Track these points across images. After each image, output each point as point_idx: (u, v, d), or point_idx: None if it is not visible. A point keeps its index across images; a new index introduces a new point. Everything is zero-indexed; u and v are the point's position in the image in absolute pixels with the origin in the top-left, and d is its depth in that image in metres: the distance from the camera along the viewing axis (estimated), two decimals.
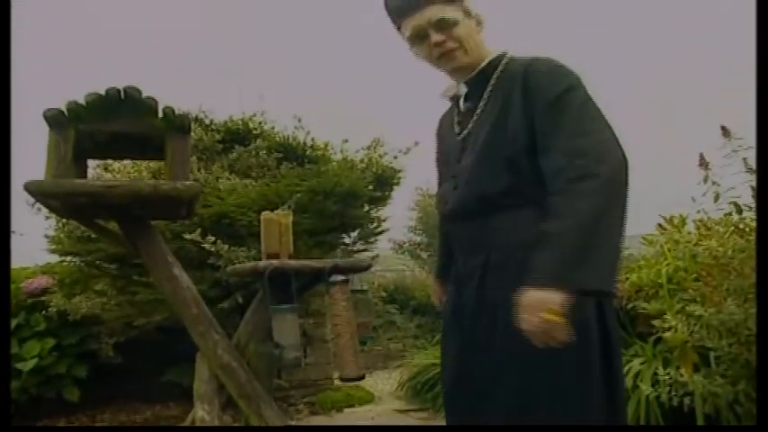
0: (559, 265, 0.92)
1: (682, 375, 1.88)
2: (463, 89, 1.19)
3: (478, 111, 1.14)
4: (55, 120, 1.64)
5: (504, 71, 1.14)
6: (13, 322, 3.09)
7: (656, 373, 2.02)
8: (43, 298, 3.20)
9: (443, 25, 1.11)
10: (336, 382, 3.59)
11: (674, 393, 1.87)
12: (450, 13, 1.12)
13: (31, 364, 3.01)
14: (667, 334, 1.94)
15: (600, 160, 0.97)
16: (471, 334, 1.13)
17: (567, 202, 0.95)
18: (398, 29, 1.19)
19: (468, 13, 1.15)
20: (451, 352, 1.21)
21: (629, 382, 2.10)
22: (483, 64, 1.16)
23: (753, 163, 1.79)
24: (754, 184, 1.80)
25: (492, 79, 1.14)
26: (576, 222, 0.93)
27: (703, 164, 1.90)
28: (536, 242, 0.96)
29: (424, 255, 7.10)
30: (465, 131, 1.16)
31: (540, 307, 0.90)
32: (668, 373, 1.93)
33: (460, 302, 1.18)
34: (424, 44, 1.14)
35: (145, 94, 1.69)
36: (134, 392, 3.46)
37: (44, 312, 3.16)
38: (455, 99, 1.24)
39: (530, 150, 1.05)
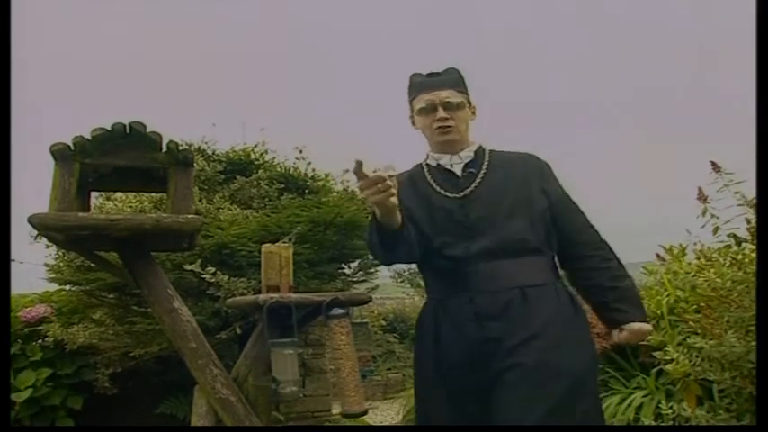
0: (641, 307, 1.37)
1: (685, 409, 1.86)
2: (469, 157, 1.41)
3: (479, 178, 1.38)
4: (61, 154, 1.67)
5: (491, 155, 1.42)
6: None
7: (658, 407, 2.00)
8: (40, 327, 3.18)
9: (450, 106, 1.37)
10: (336, 415, 3.53)
11: None
12: (458, 98, 1.38)
13: (25, 394, 2.96)
14: (669, 366, 1.93)
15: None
16: (499, 366, 1.22)
17: (617, 269, 1.37)
18: (411, 100, 1.44)
19: (469, 103, 1.42)
20: (461, 391, 1.27)
21: (630, 415, 2.07)
22: (477, 145, 1.43)
23: (746, 196, 1.81)
24: (747, 216, 1.82)
25: (485, 158, 1.41)
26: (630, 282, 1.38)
27: (702, 197, 1.91)
28: (614, 288, 1.35)
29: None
30: (467, 191, 1.37)
31: (643, 336, 1.36)
32: (671, 407, 1.91)
33: (475, 337, 1.25)
34: (429, 117, 1.39)
35: (150, 125, 1.73)
36: (128, 425, 3.39)
37: (40, 341, 3.13)
38: (441, 166, 1.42)
39: (547, 212, 1.36)
